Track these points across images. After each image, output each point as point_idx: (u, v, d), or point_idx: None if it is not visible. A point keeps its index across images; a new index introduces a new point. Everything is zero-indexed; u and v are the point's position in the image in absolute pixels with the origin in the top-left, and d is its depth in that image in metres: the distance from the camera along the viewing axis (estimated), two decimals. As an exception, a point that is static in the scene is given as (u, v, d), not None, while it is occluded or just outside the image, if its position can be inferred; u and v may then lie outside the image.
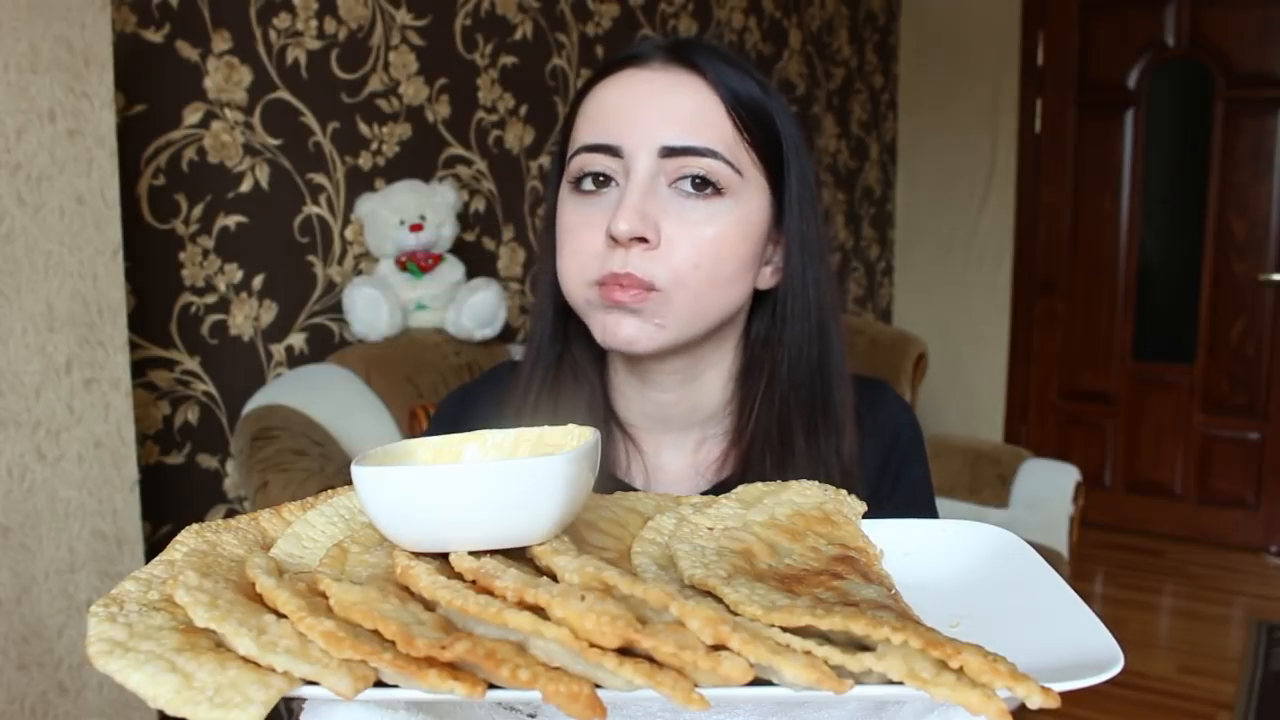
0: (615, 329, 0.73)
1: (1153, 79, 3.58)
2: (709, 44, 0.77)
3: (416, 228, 1.80)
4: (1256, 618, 3.04)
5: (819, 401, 0.79)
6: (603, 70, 0.77)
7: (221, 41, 1.67)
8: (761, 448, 0.78)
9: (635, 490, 0.81)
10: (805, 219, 0.78)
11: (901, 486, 0.84)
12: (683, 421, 0.83)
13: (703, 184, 0.72)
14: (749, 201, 0.75)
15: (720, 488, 0.80)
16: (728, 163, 0.73)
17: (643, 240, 0.71)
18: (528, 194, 2.27)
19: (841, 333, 0.81)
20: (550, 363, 0.82)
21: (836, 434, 0.79)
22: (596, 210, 0.74)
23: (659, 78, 0.74)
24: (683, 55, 0.74)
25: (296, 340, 1.83)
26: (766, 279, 0.79)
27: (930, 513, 0.86)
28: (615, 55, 0.78)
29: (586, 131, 0.75)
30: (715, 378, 0.81)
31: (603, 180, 0.74)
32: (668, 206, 0.72)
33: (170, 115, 1.61)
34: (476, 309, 1.82)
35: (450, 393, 0.93)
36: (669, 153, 0.72)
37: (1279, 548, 3.55)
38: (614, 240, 0.71)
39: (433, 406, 0.94)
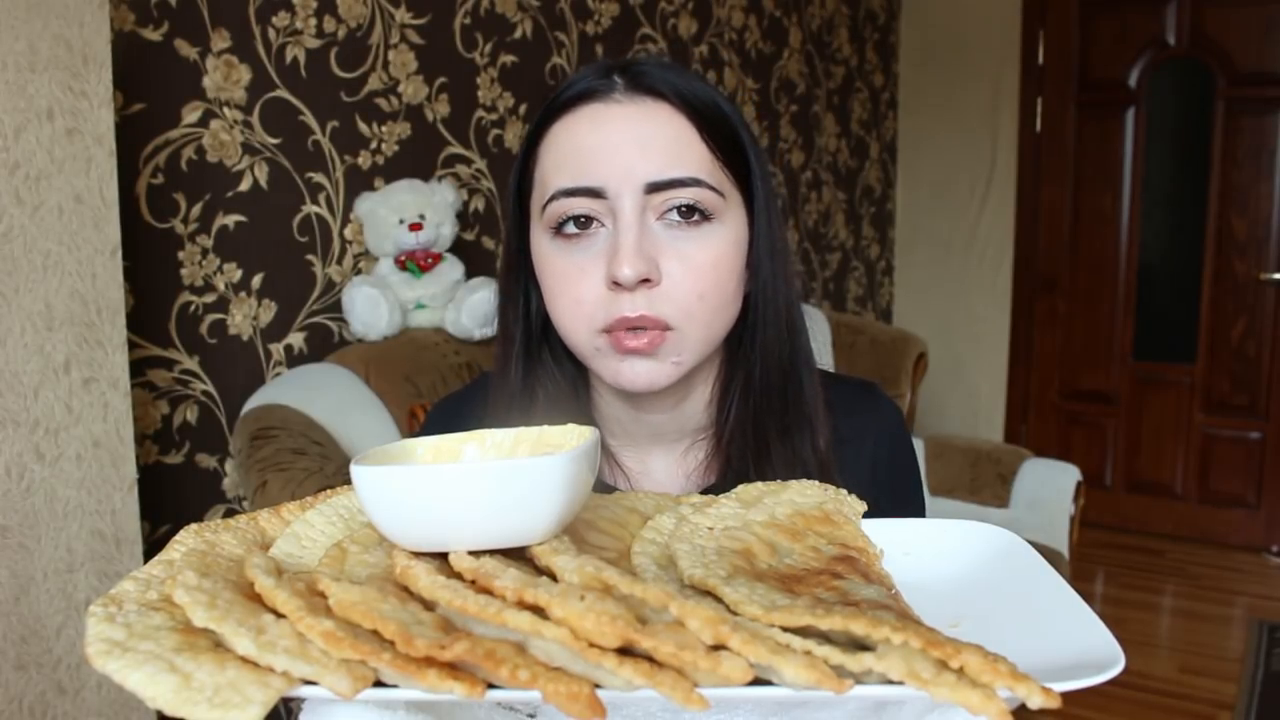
0: (632, 374, 0.72)
1: (1153, 78, 3.58)
2: (660, 63, 0.74)
3: (416, 227, 1.80)
4: (1257, 618, 3.03)
5: (791, 400, 0.79)
6: (558, 106, 0.74)
7: (220, 40, 1.67)
8: (741, 450, 0.78)
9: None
10: (771, 221, 0.77)
11: (894, 495, 0.84)
12: (673, 436, 0.83)
13: (690, 211, 0.71)
14: (734, 219, 0.74)
15: (706, 494, 0.80)
16: (711, 188, 0.72)
17: (646, 281, 0.70)
18: (527, 193, 2.27)
19: (805, 327, 0.81)
20: (525, 407, 0.79)
21: (811, 430, 0.79)
22: (587, 255, 0.71)
23: (629, 110, 0.71)
24: (643, 83, 0.72)
25: (296, 340, 1.83)
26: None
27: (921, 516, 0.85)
28: (566, 89, 0.74)
29: (561, 174, 0.72)
30: (704, 391, 0.81)
31: (584, 222, 0.72)
32: (661, 241, 0.71)
33: (169, 114, 1.61)
34: (476, 308, 1.82)
35: (436, 404, 0.91)
36: (654, 188, 0.70)
37: None
38: (617, 285, 0.69)
39: (431, 406, 0.93)
